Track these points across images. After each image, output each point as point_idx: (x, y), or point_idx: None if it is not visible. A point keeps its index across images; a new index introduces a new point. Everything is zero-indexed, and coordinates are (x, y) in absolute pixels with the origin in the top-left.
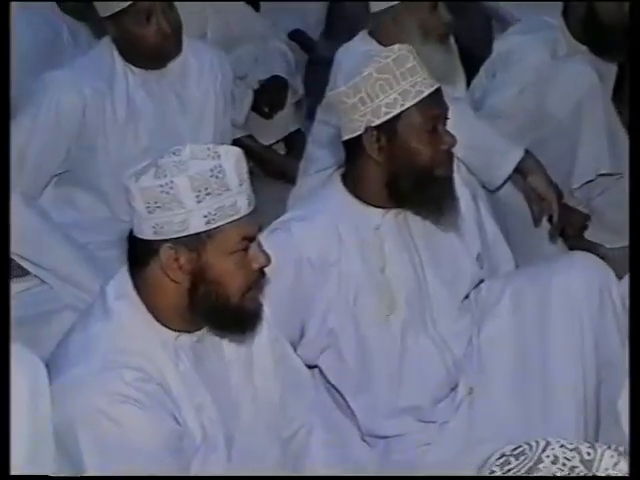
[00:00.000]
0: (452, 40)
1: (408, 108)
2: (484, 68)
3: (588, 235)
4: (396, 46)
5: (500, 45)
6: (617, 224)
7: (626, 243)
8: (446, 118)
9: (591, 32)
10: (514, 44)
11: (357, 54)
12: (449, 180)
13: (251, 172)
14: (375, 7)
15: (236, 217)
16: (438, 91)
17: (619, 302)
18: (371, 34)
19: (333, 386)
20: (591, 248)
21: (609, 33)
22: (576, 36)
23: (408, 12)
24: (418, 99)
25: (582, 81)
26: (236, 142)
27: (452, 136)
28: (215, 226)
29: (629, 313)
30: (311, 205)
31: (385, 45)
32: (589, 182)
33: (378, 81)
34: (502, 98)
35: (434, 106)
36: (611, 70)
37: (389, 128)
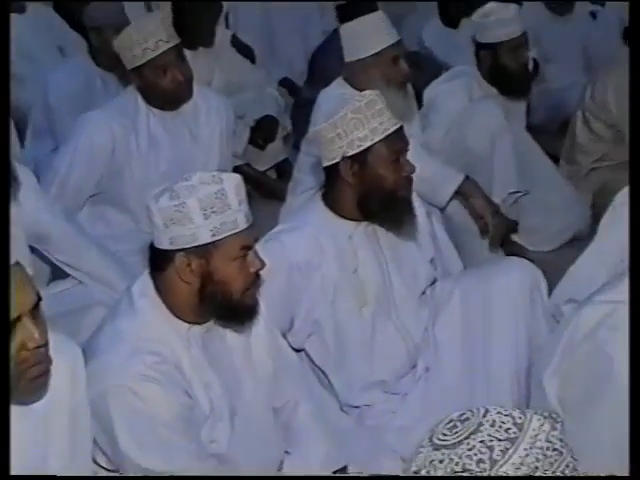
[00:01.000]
0: (410, 87)
1: (376, 142)
2: (420, 111)
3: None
4: (367, 92)
5: (429, 92)
6: (527, 230)
7: (539, 248)
8: (407, 150)
9: (498, 78)
10: (439, 91)
11: (334, 97)
12: (409, 200)
13: (249, 194)
14: (348, 58)
15: (236, 230)
16: (401, 128)
17: (546, 297)
18: (346, 79)
19: (317, 366)
20: (520, 252)
21: (512, 77)
22: (487, 81)
23: (374, 65)
24: (384, 135)
25: (493, 120)
26: (236, 169)
27: (411, 165)
28: (219, 238)
29: (629, 314)
30: (298, 219)
31: (358, 89)
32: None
33: (352, 120)
34: (433, 136)
35: (397, 141)
36: (520, 106)
37: (361, 158)
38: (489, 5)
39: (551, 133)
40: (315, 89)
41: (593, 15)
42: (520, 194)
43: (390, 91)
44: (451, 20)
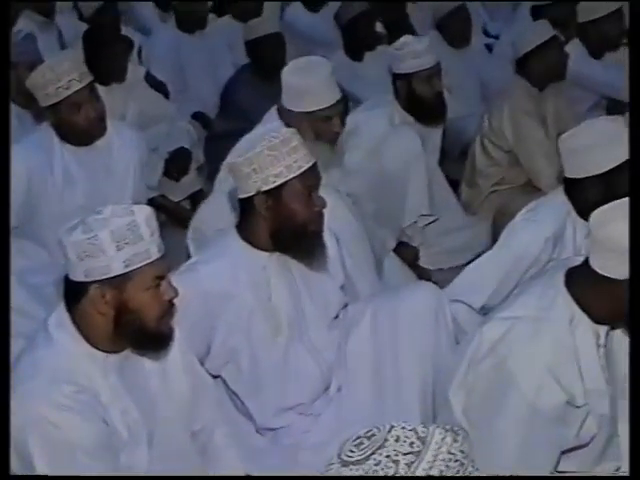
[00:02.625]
0: (340, 143)
1: (291, 179)
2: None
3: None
4: (283, 129)
5: (350, 119)
6: (440, 249)
7: (447, 265)
8: (319, 186)
9: (414, 106)
10: (360, 118)
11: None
12: (319, 234)
13: (164, 224)
14: (284, 102)
15: (149, 260)
16: (314, 165)
17: (450, 319)
18: (280, 115)
19: (233, 392)
20: (424, 274)
21: (427, 106)
22: (405, 110)
23: (307, 120)
24: (299, 172)
25: (410, 145)
26: (151, 200)
27: (322, 200)
28: (133, 268)
29: (629, 315)
30: (213, 250)
31: (287, 125)
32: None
33: (268, 156)
34: (353, 158)
35: (311, 177)
36: (436, 133)
37: (275, 193)
38: (403, 38)
39: (452, 159)
40: (227, 122)
41: (489, 48)
42: (432, 218)
43: (318, 144)
44: (355, 53)
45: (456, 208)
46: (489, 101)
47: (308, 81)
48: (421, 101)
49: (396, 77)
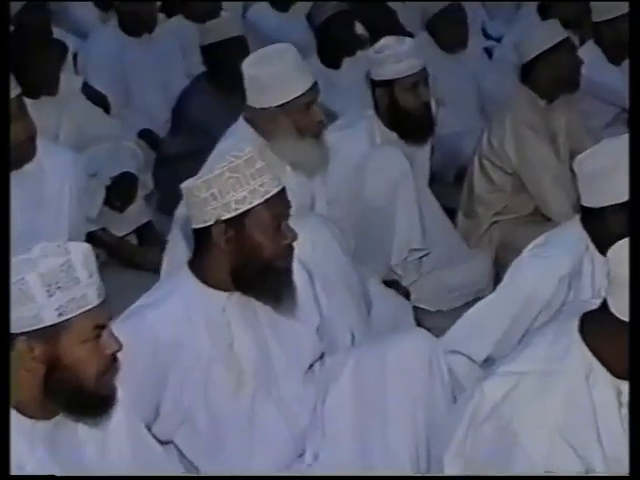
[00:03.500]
0: (324, 135)
1: (256, 205)
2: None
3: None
4: (247, 149)
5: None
6: (434, 289)
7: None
8: (289, 215)
9: (396, 119)
10: (336, 138)
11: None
12: (288, 271)
13: (105, 263)
14: (251, 103)
15: (87, 308)
16: (283, 190)
17: (446, 372)
18: (249, 122)
19: (188, 459)
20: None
21: (412, 119)
22: (386, 124)
23: (284, 114)
24: (265, 198)
25: (395, 168)
26: (90, 235)
27: (293, 231)
28: (67, 317)
29: (629, 315)
30: (161, 292)
31: (263, 134)
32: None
33: (229, 179)
34: (329, 188)
35: (279, 204)
36: (423, 152)
37: (237, 222)
38: (383, 40)
39: (446, 183)
40: (180, 141)
41: (488, 52)
42: (423, 253)
43: (303, 141)
44: (332, 60)
45: (453, 240)
46: (488, 115)
47: (276, 68)
48: (405, 114)
49: (375, 85)
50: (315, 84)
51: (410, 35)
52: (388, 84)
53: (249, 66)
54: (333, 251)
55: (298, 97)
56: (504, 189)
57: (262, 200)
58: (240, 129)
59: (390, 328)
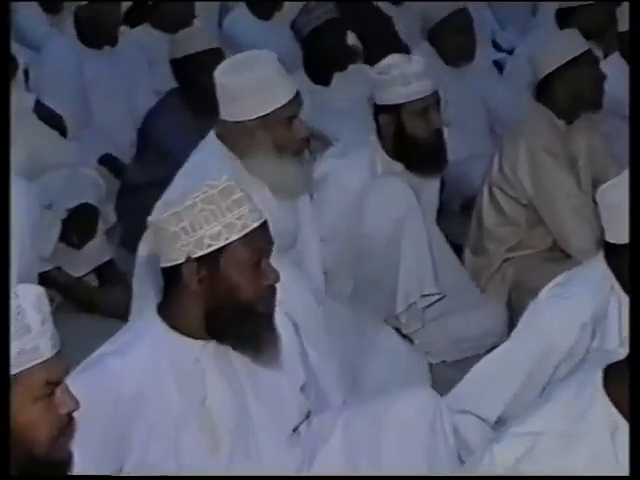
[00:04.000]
0: (307, 153)
1: (233, 242)
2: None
3: None
4: (223, 178)
5: (317, 169)
6: (439, 339)
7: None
8: (271, 251)
9: (403, 149)
10: (330, 167)
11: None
12: (270, 316)
13: (59, 307)
14: (225, 117)
15: (39, 361)
16: (264, 225)
17: (450, 433)
18: (221, 137)
19: None
20: None
21: (422, 149)
22: (390, 154)
23: (261, 129)
24: (243, 233)
25: (400, 202)
26: (43, 276)
27: (275, 272)
28: (15, 372)
29: (629, 315)
30: (125, 338)
31: (236, 151)
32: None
33: (203, 212)
34: (324, 224)
35: (260, 240)
36: (432, 185)
37: (211, 260)
38: (388, 59)
39: (451, 215)
40: (147, 167)
41: (499, 66)
42: (436, 298)
43: (283, 160)
44: (320, 75)
45: (461, 281)
46: (499, 137)
47: (253, 76)
48: (413, 142)
49: (380, 110)
50: (297, 95)
51: (407, 47)
52: (394, 109)
53: (222, 74)
54: (305, 299)
55: (278, 109)
56: (518, 222)
57: (240, 235)
58: (210, 145)
59: (400, 385)
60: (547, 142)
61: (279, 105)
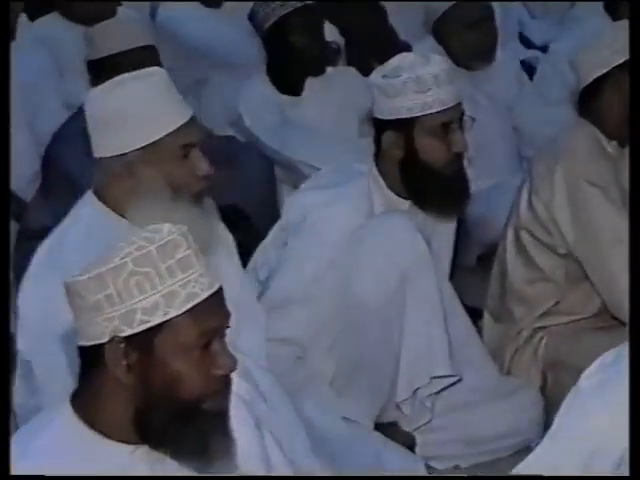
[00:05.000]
0: (211, 199)
1: (174, 317)
2: (272, 234)
3: None
4: (165, 227)
5: (290, 206)
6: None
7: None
8: (226, 327)
9: (413, 178)
10: (307, 205)
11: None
12: (222, 416)
13: None
14: (99, 153)
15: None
16: (218, 293)
17: None
18: (99, 193)
19: None
20: None
21: (436, 178)
22: (394, 186)
23: (148, 164)
24: (190, 306)
25: (405, 252)
26: None
27: (231, 357)
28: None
29: (629, 314)
30: (27, 436)
31: (119, 208)
32: None
33: (134, 275)
34: (294, 279)
35: (211, 315)
36: (448, 228)
37: (144, 341)
38: (399, 57)
39: (466, 268)
40: (53, 206)
41: (528, 68)
42: (451, 381)
43: (178, 206)
44: (288, 81)
45: (480, 359)
46: (529, 164)
47: (132, 95)
48: (428, 170)
49: (383, 127)
50: (193, 120)
51: (407, 44)
52: (404, 125)
53: (91, 99)
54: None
55: (166, 137)
56: (554, 278)
57: (184, 309)
58: (80, 211)
59: None
60: (593, 171)
61: (167, 131)
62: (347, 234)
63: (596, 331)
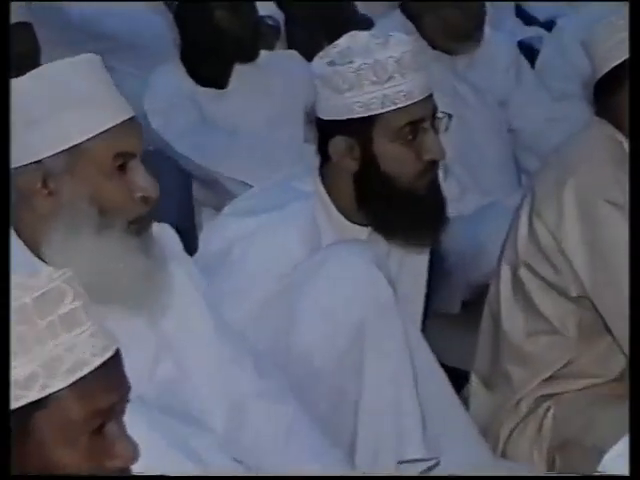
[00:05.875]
0: (167, 227)
1: (56, 392)
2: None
3: None
4: (44, 271)
5: (211, 235)
6: None
7: None
8: (124, 405)
9: (371, 197)
10: (237, 234)
11: None
12: None
13: None
14: (14, 160)
15: None
16: (114, 359)
17: None
18: (15, 225)
19: None
20: None
21: (402, 196)
22: (346, 210)
23: (65, 175)
24: (75, 378)
25: (362, 291)
26: None
27: (131, 444)
28: None
29: (629, 314)
30: None
31: (29, 244)
32: None
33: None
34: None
35: (103, 391)
36: (419, 261)
37: (20, 418)
38: (348, 37)
39: (447, 318)
40: None
41: (528, 52)
42: (428, 465)
43: (109, 238)
44: (208, 71)
45: (465, 435)
46: (529, 178)
47: (60, 85)
48: (391, 186)
49: (329, 130)
50: (132, 121)
51: (368, 20)
52: (358, 127)
53: (23, 88)
54: None
55: (96, 140)
56: (563, 330)
57: (69, 382)
58: None
59: None
60: (615, 187)
61: (93, 132)
62: (285, 273)
63: (619, 400)
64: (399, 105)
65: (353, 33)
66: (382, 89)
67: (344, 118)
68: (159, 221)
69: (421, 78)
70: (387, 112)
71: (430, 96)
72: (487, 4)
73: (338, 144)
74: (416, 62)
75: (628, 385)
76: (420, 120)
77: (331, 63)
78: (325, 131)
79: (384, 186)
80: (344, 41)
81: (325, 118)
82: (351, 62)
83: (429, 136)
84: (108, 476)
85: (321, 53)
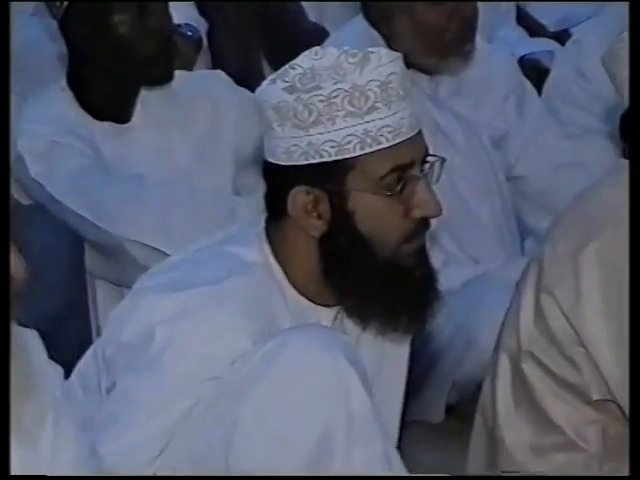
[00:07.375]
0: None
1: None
2: (76, 373)
3: None
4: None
5: (122, 319)
6: None
7: None
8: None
9: (342, 271)
10: (156, 317)
11: None
12: None
13: None
14: None
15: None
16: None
17: None
18: None
19: None
20: None
21: (384, 269)
22: (306, 286)
23: None
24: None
25: (322, 397)
26: None
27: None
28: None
29: (629, 314)
30: None
31: None
32: None
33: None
34: (134, 438)
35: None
36: (397, 356)
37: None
38: (314, 52)
39: (429, 428)
40: None
41: (533, 71)
42: None
43: None
44: (108, 100)
45: None
46: (536, 240)
47: None
48: (369, 255)
49: (288, 179)
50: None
51: (320, 29)
52: (327, 175)
53: None
54: None
55: None
56: (583, 443)
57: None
58: None
59: None
60: None
61: None
62: (222, 372)
63: None
64: (383, 145)
65: (316, 49)
66: (362, 123)
67: (308, 162)
68: (43, 298)
69: (410, 109)
70: (368, 154)
71: (419, 133)
72: (480, 8)
73: (299, 198)
74: (404, 88)
75: None
76: (409, 165)
77: (290, 89)
78: (279, 180)
79: (361, 254)
80: (306, 60)
81: (280, 163)
82: (319, 88)
83: (421, 186)
84: (108, 476)
85: (273, 76)
